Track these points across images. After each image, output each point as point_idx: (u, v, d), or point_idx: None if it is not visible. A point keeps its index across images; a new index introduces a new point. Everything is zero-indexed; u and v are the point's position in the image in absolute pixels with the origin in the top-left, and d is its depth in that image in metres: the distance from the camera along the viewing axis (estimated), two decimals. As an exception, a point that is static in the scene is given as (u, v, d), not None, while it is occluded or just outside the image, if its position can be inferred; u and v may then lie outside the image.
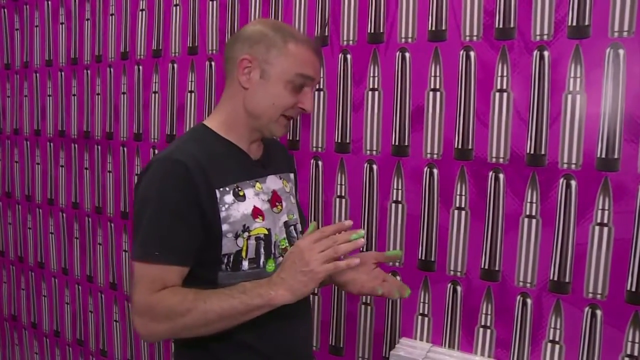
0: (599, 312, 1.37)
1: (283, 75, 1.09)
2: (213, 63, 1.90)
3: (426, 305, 1.59)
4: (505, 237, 1.47)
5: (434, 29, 1.52)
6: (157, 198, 1.05)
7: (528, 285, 1.45)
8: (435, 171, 1.54)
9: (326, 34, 1.68)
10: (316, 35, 1.69)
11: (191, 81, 1.96)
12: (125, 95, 2.13)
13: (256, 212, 1.13)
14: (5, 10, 2.50)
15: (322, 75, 1.69)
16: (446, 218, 1.54)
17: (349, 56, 1.65)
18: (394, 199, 1.61)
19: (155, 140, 2.06)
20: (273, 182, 1.21)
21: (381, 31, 1.59)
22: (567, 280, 1.40)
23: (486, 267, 1.50)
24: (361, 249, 1.62)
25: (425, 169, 1.55)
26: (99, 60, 2.20)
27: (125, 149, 2.15)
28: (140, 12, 2.07)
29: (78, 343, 2.42)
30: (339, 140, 1.68)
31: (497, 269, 1.48)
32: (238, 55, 1.12)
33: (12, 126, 2.54)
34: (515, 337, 1.47)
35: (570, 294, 1.40)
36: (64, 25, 2.30)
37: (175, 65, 1.99)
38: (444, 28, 1.51)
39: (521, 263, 1.45)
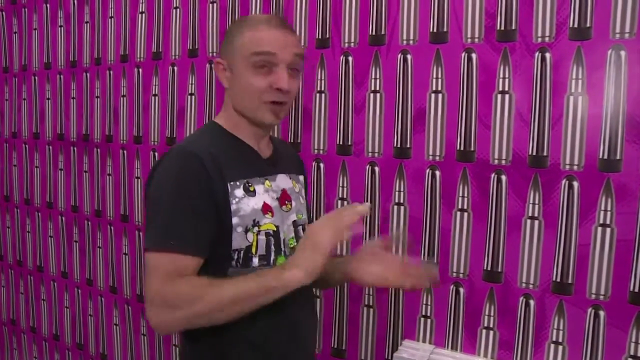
0: (602, 313, 1.37)
1: (243, 61, 1.11)
2: (213, 66, 1.90)
3: (429, 307, 1.59)
4: (508, 239, 1.47)
5: (435, 30, 1.53)
6: (172, 189, 1.06)
7: (531, 286, 1.45)
8: (438, 173, 1.54)
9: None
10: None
11: (191, 84, 1.96)
12: (124, 98, 2.13)
13: (266, 208, 1.14)
14: (4, 13, 2.50)
15: (323, 78, 1.69)
16: (448, 220, 1.54)
17: (350, 58, 1.65)
18: (396, 201, 1.61)
19: (155, 143, 2.06)
20: (283, 181, 1.22)
21: (382, 33, 1.60)
22: (569, 281, 1.40)
23: (489, 268, 1.50)
24: (365, 238, 1.62)
25: (428, 170, 1.56)
26: (98, 63, 2.19)
27: (125, 152, 2.14)
28: (139, 15, 2.06)
29: (78, 347, 2.41)
30: (341, 143, 1.68)
31: (499, 270, 1.48)
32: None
33: (11, 129, 2.53)
34: (518, 339, 1.47)
35: (573, 295, 1.40)
36: (62, 28, 2.29)
37: (176, 68, 1.99)
38: (445, 30, 1.51)
39: (524, 264, 1.45)
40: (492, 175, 1.47)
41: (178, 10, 1.97)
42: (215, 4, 1.89)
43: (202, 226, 1.06)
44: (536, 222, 1.43)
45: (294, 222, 1.22)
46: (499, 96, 1.46)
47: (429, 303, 1.58)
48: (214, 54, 1.90)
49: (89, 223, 2.29)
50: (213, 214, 1.07)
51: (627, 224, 1.34)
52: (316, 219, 1.71)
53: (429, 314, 1.59)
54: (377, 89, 1.61)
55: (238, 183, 1.11)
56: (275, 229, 1.14)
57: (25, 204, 2.52)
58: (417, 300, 1.60)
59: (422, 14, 1.54)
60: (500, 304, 1.49)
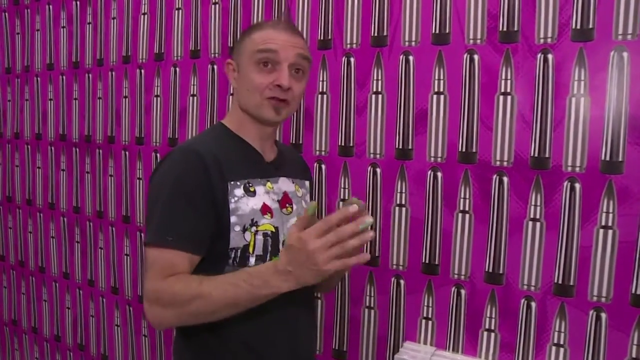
0: (603, 315, 1.37)
1: (249, 59, 1.14)
2: (215, 66, 1.90)
3: (430, 308, 1.58)
4: (510, 241, 1.46)
5: (437, 32, 1.53)
6: (172, 185, 1.08)
7: (532, 288, 1.44)
8: (439, 174, 1.54)
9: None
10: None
11: (193, 85, 1.96)
12: (127, 99, 2.13)
13: (265, 209, 1.14)
14: (7, 14, 2.50)
15: (325, 79, 1.69)
16: (450, 221, 1.54)
17: (352, 59, 1.65)
18: (398, 202, 1.60)
19: (157, 144, 2.06)
20: (285, 184, 1.23)
21: (385, 34, 1.59)
22: (571, 283, 1.40)
23: (490, 270, 1.49)
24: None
25: (429, 172, 1.55)
26: (100, 64, 2.20)
27: (127, 153, 2.15)
28: (142, 16, 2.06)
29: (79, 348, 2.41)
30: (343, 144, 1.68)
31: (501, 272, 1.48)
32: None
33: (13, 130, 2.54)
34: (519, 341, 1.47)
35: (575, 297, 1.40)
36: (65, 29, 2.30)
37: (178, 69, 1.99)
38: (447, 31, 1.51)
39: (525, 266, 1.45)
40: (494, 176, 1.47)
41: (180, 11, 1.97)
42: (217, 5, 1.89)
43: (200, 223, 1.07)
44: (538, 223, 1.43)
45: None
46: (501, 97, 1.46)
47: (430, 305, 1.58)
48: (216, 55, 1.90)
49: (91, 224, 2.29)
50: (212, 212, 1.07)
51: (629, 226, 1.33)
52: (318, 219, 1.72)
53: (430, 316, 1.58)
54: (379, 90, 1.61)
55: (238, 183, 1.12)
56: (274, 230, 1.14)
57: (27, 204, 2.52)
58: (418, 302, 1.59)
59: (424, 15, 1.54)
60: (502, 306, 1.48)
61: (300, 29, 1.72)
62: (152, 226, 1.08)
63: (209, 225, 1.08)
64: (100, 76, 2.20)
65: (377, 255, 1.64)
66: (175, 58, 1.99)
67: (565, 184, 1.39)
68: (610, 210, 1.35)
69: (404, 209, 1.60)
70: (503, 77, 1.45)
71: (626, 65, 1.32)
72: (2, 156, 2.61)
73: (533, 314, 1.45)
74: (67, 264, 2.40)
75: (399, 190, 1.60)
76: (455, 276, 1.54)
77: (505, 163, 1.46)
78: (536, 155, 1.42)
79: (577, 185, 1.38)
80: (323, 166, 1.71)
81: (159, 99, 2.05)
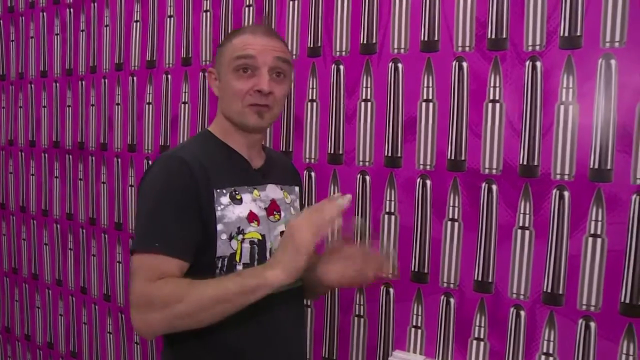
0: (592, 324, 1.36)
1: (228, 67, 1.14)
2: (207, 74, 1.90)
3: (419, 317, 1.57)
4: (499, 249, 1.46)
5: (426, 39, 1.52)
6: (158, 192, 1.07)
7: (521, 297, 1.43)
8: (428, 182, 1.53)
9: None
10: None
11: (185, 92, 1.96)
12: (119, 106, 2.13)
13: (252, 217, 1.14)
14: (1, 21, 2.51)
15: (315, 86, 1.69)
16: (439, 229, 1.53)
17: (341, 67, 1.64)
18: (387, 210, 1.60)
19: (149, 151, 2.05)
20: (272, 191, 1.22)
21: (374, 42, 1.59)
22: (560, 292, 1.39)
23: (479, 278, 1.48)
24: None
25: (418, 180, 1.55)
26: (93, 71, 2.20)
27: (119, 160, 2.14)
28: (134, 24, 2.07)
29: (72, 355, 2.40)
30: (332, 152, 1.67)
31: (490, 280, 1.47)
32: None
33: (7, 137, 2.54)
34: (508, 350, 1.46)
35: (564, 305, 1.39)
36: (59, 37, 2.30)
37: (169, 76, 1.99)
38: (436, 39, 1.51)
39: (514, 275, 1.44)
40: (483, 184, 1.46)
41: (172, 19, 1.97)
42: (208, 13, 1.89)
43: (187, 230, 1.06)
44: (527, 232, 1.42)
45: (282, 232, 1.21)
46: (490, 105, 1.45)
47: (419, 313, 1.57)
48: (207, 62, 1.90)
49: (84, 231, 2.29)
50: (198, 219, 1.07)
51: (618, 234, 1.32)
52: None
53: (419, 324, 1.57)
54: (368, 97, 1.61)
55: (224, 191, 1.11)
56: (260, 237, 1.14)
57: (20, 211, 2.52)
58: (407, 311, 1.58)
59: (413, 23, 1.54)
60: (491, 315, 1.47)
61: (290, 36, 1.72)
62: (138, 234, 1.08)
63: (196, 232, 1.07)
64: (93, 83, 2.20)
65: (366, 263, 1.63)
66: (167, 65, 1.99)
67: (554, 192, 1.38)
68: (599, 219, 1.34)
69: (393, 216, 1.59)
70: (492, 84, 1.44)
71: (614, 72, 1.31)
72: (-4, 163, 2.61)
73: (522, 323, 1.44)
74: (60, 271, 2.39)
75: (388, 198, 1.59)
76: (445, 284, 1.53)
77: (494, 171, 1.45)
78: (525, 163, 1.41)
79: (566, 194, 1.37)
80: (312, 174, 1.71)
81: (150, 106, 2.05)
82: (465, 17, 1.47)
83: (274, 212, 1.20)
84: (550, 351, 1.41)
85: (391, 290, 1.60)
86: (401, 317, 1.60)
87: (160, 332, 1.08)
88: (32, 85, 2.41)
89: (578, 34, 1.34)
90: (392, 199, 1.59)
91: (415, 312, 1.58)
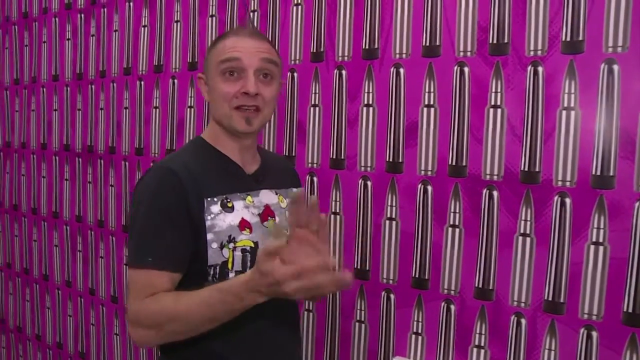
0: (594, 334, 1.33)
1: (215, 71, 1.15)
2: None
3: (420, 323, 1.56)
4: (500, 256, 1.44)
5: (428, 44, 1.52)
6: (148, 204, 1.08)
7: (522, 305, 1.42)
8: (430, 188, 1.52)
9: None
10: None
11: (190, 97, 1.97)
12: (127, 110, 2.16)
13: (243, 224, 1.14)
14: (16, 27, 2.56)
15: (317, 91, 1.69)
16: (440, 236, 1.52)
17: (344, 72, 1.64)
18: (388, 215, 1.59)
19: (156, 154, 2.07)
20: (266, 197, 1.22)
21: (376, 47, 1.59)
22: (562, 300, 1.37)
23: (480, 286, 1.47)
24: (356, 252, 1.60)
25: (420, 185, 1.54)
26: (103, 76, 2.23)
27: (127, 163, 2.17)
28: (142, 28, 2.09)
29: (80, 356, 2.43)
30: (334, 157, 1.67)
31: (491, 288, 1.45)
32: None
33: (20, 140, 2.59)
34: (509, 358, 1.44)
35: (565, 314, 1.37)
36: (70, 42, 2.34)
37: (176, 81, 2.01)
38: (438, 44, 1.50)
39: (515, 282, 1.42)
40: (484, 190, 1.45)
41: (179, 23, 1.99)
42: (214, 18, 1.91)
43: (178, 241, 1.07)
44: (528, 239, 1.40)
45: None
46: (491, 110, 1.44)
47: (419, 320, 1.56)
48: (213, 67, 1.91)
49: (92, 233, 2.32)
50: (189, 229, 1.07)
51: (620, 242, 1.30)
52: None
53: (419, 331, 1.56)
54: (370, 102, 1.60)
55: (215, 199, 1.11)
56: (253, 245, 1.14)
57: (32, 213, 2.56)
58: (408, 317, 1.57)
59: (414, 28, 1.53)
60: (492, 323, 1.46)
61: (293, 41, 1.73)
62: (130, 248, 1.10)
63: (187, 243, 1.07)
64: (102, 87, 2.23)
65: (367, 269, 1.63)
66: (174, 70, 2.01)
67: (555, 198, 1.37)
68: (601, 226, 1.32)
69: (394, 222, 1.58)
70: (493, 89, 1.43)
71: (616, 77, 1.29)
72: (9, 165, 2.66)
73: (523, 331, 1.42)
74: (70, 272, 2.42)
75: (389, 204, 1.59)
76: (445, 291, 1.52)
77: (495, 177, 1.44)
78: (526, 169, 1.40)
79: (568, 200, 1.35)
80: (315, 178, 1.71)
81: (157, 110, 2.07)
82: (467, 21, 1.46)
83: (268, 218, 1.20)
84: (552, 360, 1.39)
85: (392, 296, 1.60)
86: (402, 323, 1.59)
87: (155, 345, 1.11)
88: (44, 89, 2.45)
89: (580, 38, 1.32)
90: (394, 204, 1.58)
91: (415, 319, 1.57)
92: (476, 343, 1.48)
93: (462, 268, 1.49)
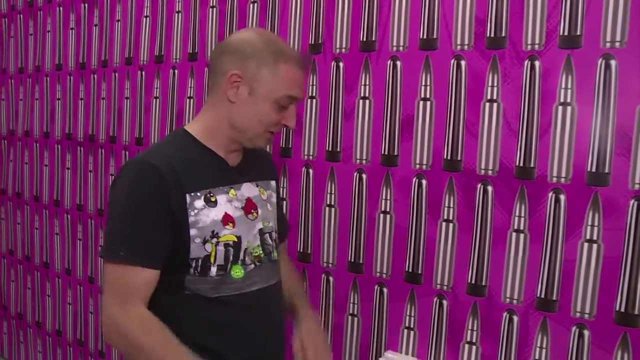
0: (586, 333, 1.32)
1: (271, 95, 1.10)
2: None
3: (412, 318, 1.55)
4: (493, 252, 1.43)
5: (425, 37, 1.50)
6: (126, 199, 1.07)
7: (515, 301, 1.40)
8: (424, 182, 1.51)
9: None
10: (307, 51, 1.68)
11: (190, 87, 1.97)
12: (128, 100, 2.16)
13: (226, 219, 1.13)
14: (21, 15, 2.57)
15: (315, 83, 1.68)
16: (434, 230, 1.51)
17: (341, 64, 1.63)
18: (383, 209, 1.58)
19: (155, 144, 2.08)
20: (248, 190, 1.21)
21: (373, 39, 1.58)
22: (554, 298, 1.35)
23: (473, 281, 1.46)
24: (350, 246, 1.59)
25: (414, 179, 1.53)
26: (105, 65, 2.24)
27: (127, 153, 2.18)
28: (144, 19, 2.09)
29: (78, 343, 2.45)
30: (330, 149, 1.66)
31: (483, 284, 1.44)
32: (227, 68, 1.12)
33: (24, 128, 2.60)
34: (500, 355, 1.43)
35: (557, 312, 1.35)
36: (73, 31, 2.35)
37: (176, 71, 2.01)
38: (435, 37, 1.49)
39: (508, 279, 1.41)
40: (479, 185, 1.44)
41: (180, 14, 1.99)
42: (214, 9, 1.90)
43: (155, 237, 1.06)
44: (522, 235, 1.39)
45: (260, 230, 1.20)
46: (487, 105, 1.42)
47: (412, 314, 1.55)
48: (213, 57, 1.91)
49: (92, 222, 2.33)
50: (168, 225, 1.06)
51: (614, 240, 1.28)
52: (303, 226, 1.71)
53: (412, 326, 1.55)
54: (367, 95, 1.59)
55: (199, 194, 1.10)
56: (236, 239, 1.13)
57: (34, 201, 2.58)
58: (400, 311, 1.57)
59: (412, 20, 1.52)
60: (484, 319, 1.45)
61: (292, 33, 1.72)
62: (106, 241, 1.10)
63: (166, 237, 1.07)
64: (104, 77, 2.24)
65: (361, 262, 1.62)
66: (174, 60, 2.01)
67: (550, 195, 1.35)
68: (596, 224, 1.30)
69: (388, 216, 1.57)
70: (489, 83, 1.42)
71: (614, 73, 1.27)
72: (13, 153, 2.68)
73: (515, 328, 1.41)
74: (70, 261, 2.44)
75: (384, 197, 1.58)
76: (438, 286, 1.51)
77: (490, 172, 1.42)
78: (521, 164, 1.38)
79: (562, 197, 1.34)
80: (310, 171, 1.70)
81: (158, 100, 2.07)
82: (465, 15, 1.44)
83: (252, 211, 1.19)
84: (543, 358, 1.38)
85: (385, 290, 1.59)
86: (394, 318, 1.58)
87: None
88: (48, 78, 2.46)
89: (578, 33, 1.31)
90: (388, 198, 1.57)
91: (408, 313, 1.56)
92: (468, 339, 1.47)
93: (455, 263, 1.48)
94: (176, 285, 1.10)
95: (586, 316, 1.32)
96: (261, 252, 1.19)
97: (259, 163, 1.29)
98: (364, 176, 1.61)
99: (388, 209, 1.57)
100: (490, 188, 1.42)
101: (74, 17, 2.34)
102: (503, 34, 1.40)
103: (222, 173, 1.17)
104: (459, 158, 1.46)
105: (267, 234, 1.22)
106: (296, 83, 1.12)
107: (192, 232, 1.08)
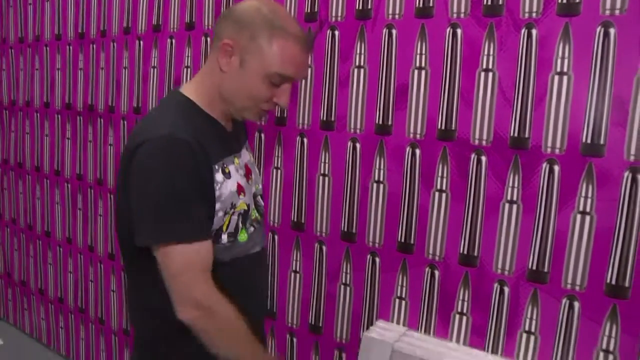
0: (576, 304, 1.32)
1: (262, 70, 1.05)
2: (209, 39, 1.90)
3: (404, 288, 1.55)
4: (485, 222, 1.42)
5: (421, 5, 1.47)
6: (170, 179, 0.99)
7: (506, 272, 1.40)
8: (418, 151, 1.50)
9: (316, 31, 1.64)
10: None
11: (187, 56, 1.96)
12: (126, 69, 2.15)
13: (240, 189, 1.13)
14: (21, -17, 2.56)
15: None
16: (427, 200, 1.50)
17: (336, 32, 1.61)
18: (376, 178, 1.57)
19: (153, 114, 2.07)
20: (245, 155, 1.23)
21: (369, 7, 1.55)
22: (545, 269, 1.35)
23: (465, 252, 1.45)
24: (344, 215, 1.58)
25: (408, 148, 1.51)
26: (103, 35, 2.22)
27: (125, 122, 2.17)
28: (142, -14, 2.07)
29: (79, 310, 2.48)
30: (324, 118, 1.65)
31: (475, 254, 1.44)
32: (223, 35, 1.08)
33: (25, 98, 2.61)
34: (490, 326, 1.43)
35: (548, 283, 1.35)
36: (72, 0, 2.33)
37: (174, 41, 1.99)
38: (431, 4, 1.46)
39: (500, 249, 1.40)
40: (472, 155, 1.42)
41: (177, -19, 1.97)
42: (211, -24, 1.88)
43: (204, 211, 1.04)
44: (514, 206, 1.38)
45: (254, 193, 1.21)
46: (482, 74, 1.40)
47: (403, 284, 1.55)
48: (210, 27, 1.89)
49: (92, 191, 2.34)
50: (206, 199, 1.05)
51: (607, 212, 1.27)
52: (297, 195, 1.70)
53: (403, 295, 1.56)
54: (362, 64, 1.57)
55: (217, 166, 1.07)
56: (246, 207, 1.14)
57: (35, 170, 2.59)
58: (392, 281, 1.57)
59: (409, -13, 1.49)
60: (475, 289, 1.44)
61: (288, 1, 1.70)
62: (163, 224, 1.00)
63: (208, 210, 1.06)
64: (103, 47, 2.23)
65: (354, 231, 1.62)
66: (172, 30, 2.00)
67: (543, 165, 1.33)
68: (589, 195, 1.29)
69: (381, 185, 1.57)
70: (485, 52, 1.39)
71: (612, 42, 1.24)
72: (14, 123, 2.69)
73: (505, 299, 1.40)
74: (70, 230, 2.46)
75: (377, 167, 1.57)
76: (430, 256, 1.50)
77: (484, 142, 1.41)
78: (516, 134, 1.36)
79: (556, 168, 1.32)
80: (305, 140, 1.69)
81: (155, 69, 2.06)
82: (463, -19, 1.41)
83: (250, 176, 1.20)
84: (532, 329, 1.38)
85: (377, 259, 1.59)
86: (386, 287, 1.58)
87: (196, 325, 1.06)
88: (47, 48, 2.45)
89: (577, 0, 1.27)
90: (382, 167, 1.56)
91: (399, 283, 1.56)
92: (459, 309, 1.47)
93: (448, 233, 1.47)
94: None
95: (577, 288, 1.31)
96: (257, 214, 1.22)
97: (238, 124, 1.26)
98: (357, 145, 1.60)
99: (381, 179, 1.56)
100: (484, 158, 1.41)
101: (73, -15, 2.32)
102: (500, 2, 1.36)
103: (226, 142, 1.15)
104: (453, 127, 1.45)
105: (259, 197, 1.24)
106: (292, 62, 1.06)
107: (217, 205, 1.06)
